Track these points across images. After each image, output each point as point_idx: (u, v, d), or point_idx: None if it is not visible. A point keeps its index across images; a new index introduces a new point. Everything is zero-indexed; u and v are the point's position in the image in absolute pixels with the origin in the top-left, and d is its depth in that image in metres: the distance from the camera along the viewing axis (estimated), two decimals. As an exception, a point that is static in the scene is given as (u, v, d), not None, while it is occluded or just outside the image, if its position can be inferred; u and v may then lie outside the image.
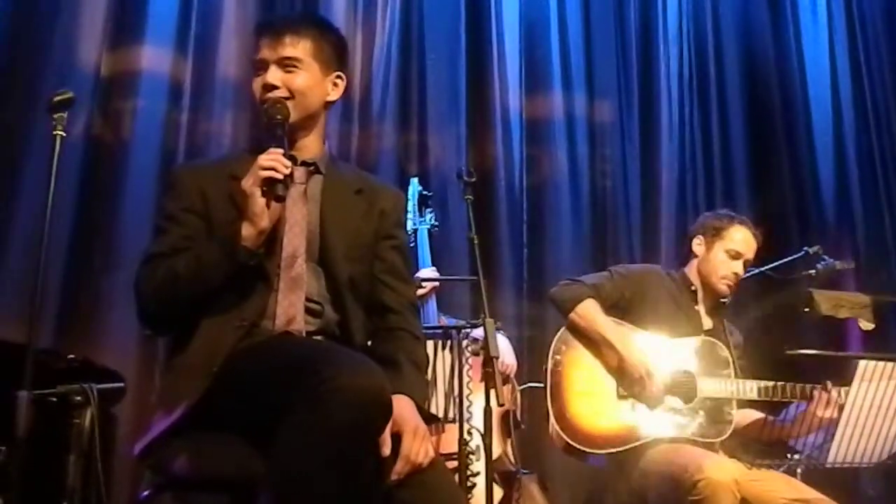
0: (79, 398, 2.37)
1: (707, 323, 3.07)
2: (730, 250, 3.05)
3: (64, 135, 2.17)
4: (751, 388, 2.86)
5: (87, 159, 3.79)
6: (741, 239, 3.06)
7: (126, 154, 3.88)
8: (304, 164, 2.03)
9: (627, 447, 2.79)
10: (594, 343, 2.91)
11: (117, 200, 3.80)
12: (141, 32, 3.98)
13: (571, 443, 2.79)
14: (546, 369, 2.90)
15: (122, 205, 3.79)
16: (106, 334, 3.62)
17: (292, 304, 1.90)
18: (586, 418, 2.82)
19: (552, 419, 2.82)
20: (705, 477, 2.50)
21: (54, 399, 2.39)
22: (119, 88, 3.94)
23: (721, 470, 2.54)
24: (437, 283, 3.41)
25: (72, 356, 2.75)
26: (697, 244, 3.11)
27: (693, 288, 3.09)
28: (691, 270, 3.12)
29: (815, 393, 2.79)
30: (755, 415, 2.97)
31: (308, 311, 1.92)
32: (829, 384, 2.78)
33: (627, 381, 2.86)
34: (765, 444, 2.93)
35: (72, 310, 3.61)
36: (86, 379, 2.45)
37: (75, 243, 3.67)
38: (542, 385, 2.93)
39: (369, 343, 2.02)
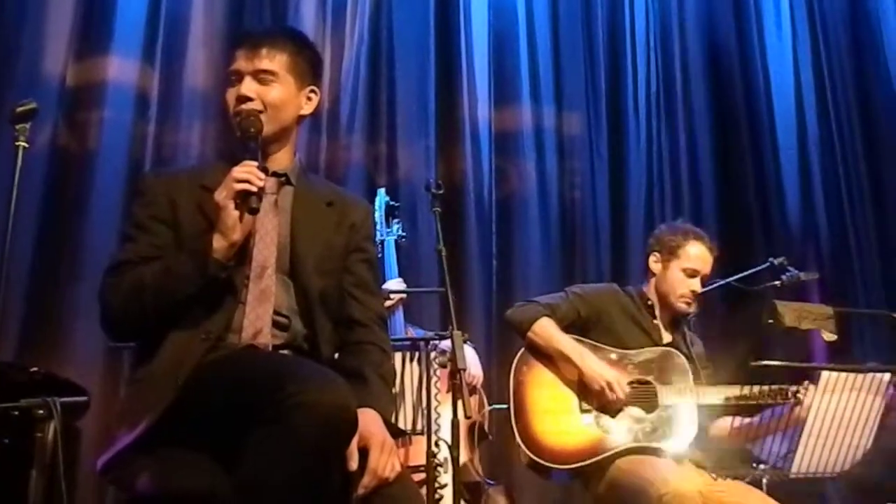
0: (41, 412, 2.33)
1: (667, 337, 3.08)
2: (686, 269, 3.04)
3: (27, 145, 2.15)
4: (711, 393, 2.89)
5: (53, 170, 3.75)
6: (696, 256, 3.05)
7: (92, 165, 3.84)
8: (274, 174, 2.03)
9: (594, 460, 2.80)
10: (553, 360, 2.93)
11: (83, 212, 3.76)
12: (107, 42, 3.95)
13: (538, 460, 2.79)
14: (509, 390, 2.92)
15: (88, 216, 3.75)
16: (70, 347, 3.57)
17: (259, 318, 1.88)
18: (551, 435, 2.84)
19: (518, 439, 2.84)
20: (671, 490, 2.51)
21: (16, 413, 2.35)
22: (85, 99, 3.91)
23: (686, 481, 2.55)
24: (404, 295, 3.41)
25: (34, 369, 2.71)
26: (654, 261, 3.11)
27: (650, 303, 3.10)
28: (650, 287, 3.13)
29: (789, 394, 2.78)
30: (730, 421, 2.96)
31: (276, 324, 1.91)
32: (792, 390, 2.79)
33: (588, 394, 2.87)
34: (745, 446, 2.93)
35: (35, 322, 3.57)
36: (49, 392, 2.41)
37: (39, 255, 3.62)
38: (506, 406, 2.94)
39: (336, 356, 2.01)
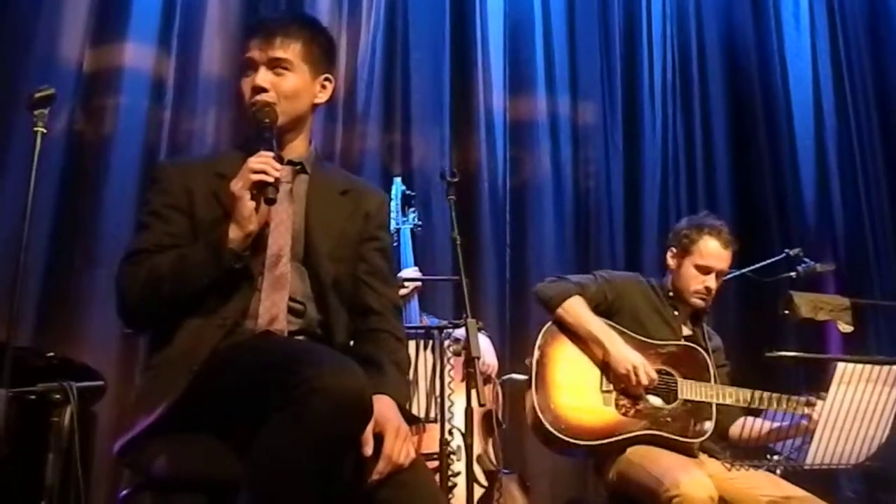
0: (58, 396, 2.36)
1: (686, 330, 3.06)
2: (699, 265, 3.00)
3: (45, 131, 2.16)
4: (730, 394, 2.87)
5: (69, 156, 3.78)
6: (709, 253, 2.99)
7: (108, 151, 3.86)
8: (290, 163, 2.03)
9: (608, 441, 2.80)
10: (580, 339, 2.91)
11: (99, 197, 3.78)
12: (124, 29, 3.97)
13: (553, 431, 2.77)
14: (531, 361, 2.89)
15: (104, 202, 3.77)
16: (86, 332, 3.60)
17: (275, 304, 1.89)
18: (569, 409, 2.82)
19: (536, 409, 2.81)
20: (681, 493, 2.49)
21: (33, 397, 2.39)
22: (102, 85, 3.93)
23: (697, 486, 2.52)
24: (419, 284, 3.42)
25: (51, 354, 2.74)
26: (671, 257, 3.08)
27: (671, 295, 3.07)
28: (669, 280, 3.11)
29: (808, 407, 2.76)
30: (758, 423, 2.94)
31: (291, 310, 1.91)
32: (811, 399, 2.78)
33: (612, 375, 2.86)
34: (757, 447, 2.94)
35: (52, 307, 3.60)
36: (65, 377, 2.44)
37: (56, 240, 3.65)
38: (525, 377, 2.93)
39: (351, 343, 2.02)
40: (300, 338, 1.92)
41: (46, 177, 3.49)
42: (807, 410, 2.75)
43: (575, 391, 2.86)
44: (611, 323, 2.95)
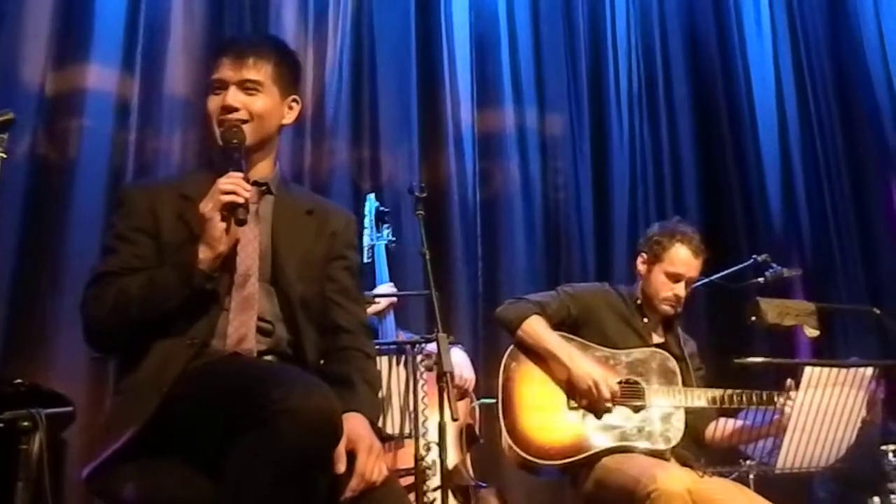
0: (27, 424, 2.32)
1: (657, 338, 3.06)
2: (669, 273, 2.99)
3: (4, 156, 2.13)
4: (699, 397, 2.88)
5: (32, 180, 3.72)
6: (680, 260, 2.99)
7: (72, 174, 3.82)
8: (255, 183, 2.02)
9: (580, 457, 2.80)
10: (542, 358, 2.92)
11: (64, 221, 3.73)
12: (86, 50, 3.93)
13: (524, 455, 2.79)
14: (497, 385, 2.91)
15: (69, 226, 3.72)
16: (54, 358, 3.55)
17: (243, 324, 1.88)
18: (538, 431, 2.83)
19: (504, 434, 2.83)
20: (657, 487, 2.50)
21: (1, 425, 2.35)
22: (64, 107, 3.88)
23: (673, 479, 2.54)
24: (394, 299, 3.41)
25: (19, 381, 2.70)
26: (641, 263, 3.07)
27: (639, 303, 3.06)
28: (638, 287, 3.10)
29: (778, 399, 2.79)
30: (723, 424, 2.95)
31: (259, 330, 1.91)
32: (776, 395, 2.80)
33: (577, 392, 2.86)
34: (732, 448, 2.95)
35: (18, 334, 3.54)
36: (34, 404, 2.40)
37: (21, 266, 3.60)
38: (495, 400, 2.94)
39: (322, 362, 2.02)
40: (269, 358, 1.91)
41: (9, 202, 3.46)
42: (779, 404, 2.76)
43: (542, 411, 2.86)
44: (573, 337, 2.96)
